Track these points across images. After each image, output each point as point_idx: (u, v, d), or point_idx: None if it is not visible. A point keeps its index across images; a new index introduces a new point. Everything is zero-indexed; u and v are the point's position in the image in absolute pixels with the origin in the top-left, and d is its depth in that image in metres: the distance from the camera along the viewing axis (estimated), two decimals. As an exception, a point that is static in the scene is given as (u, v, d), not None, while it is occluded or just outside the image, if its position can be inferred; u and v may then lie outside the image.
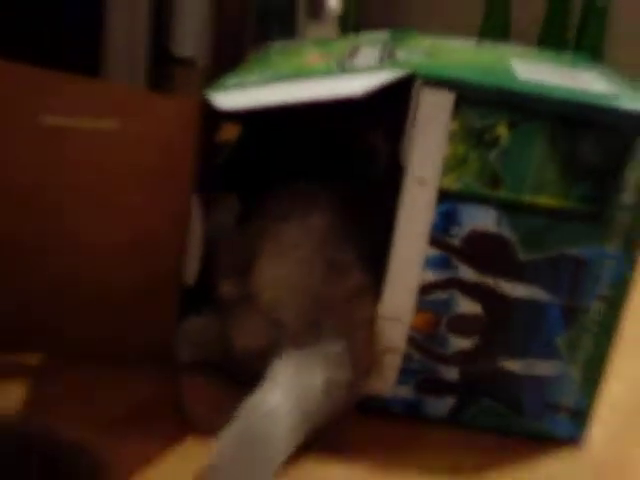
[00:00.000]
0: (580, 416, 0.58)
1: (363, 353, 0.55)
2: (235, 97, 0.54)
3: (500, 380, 0.58)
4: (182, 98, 0.58)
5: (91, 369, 0.59)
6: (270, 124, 0.67)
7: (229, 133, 0.77)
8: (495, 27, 1.12)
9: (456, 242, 0.54)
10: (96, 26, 1.36)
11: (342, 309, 0.56)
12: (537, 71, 0.58)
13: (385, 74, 0.52)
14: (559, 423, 0.59)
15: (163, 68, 1.34)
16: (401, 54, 0.61)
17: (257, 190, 0.66)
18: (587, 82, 0.57)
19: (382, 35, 0.75)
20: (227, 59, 1.25)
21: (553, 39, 1.16)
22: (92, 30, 1.33)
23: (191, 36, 1.30)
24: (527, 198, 0.53)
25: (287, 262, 0.58)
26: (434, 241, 0.54)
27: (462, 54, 0.63)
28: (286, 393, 0.51)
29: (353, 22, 1.37)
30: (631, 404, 0.67)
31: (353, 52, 0.64)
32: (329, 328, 0.54)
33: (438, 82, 0.52)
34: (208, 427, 0.53)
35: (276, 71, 0.61)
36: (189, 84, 1.32)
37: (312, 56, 0.65)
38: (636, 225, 0.54)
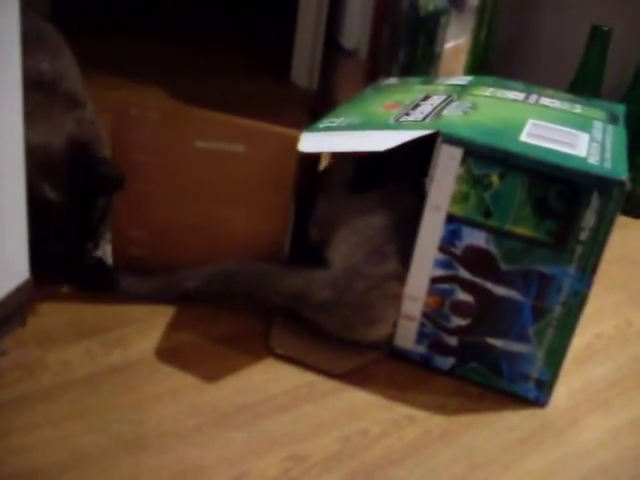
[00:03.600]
0: (544, 385, 0.81)
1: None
2: (314, 142, 0.80)
3: (486, 351, 0.81)
4: (290, 132, 0.84)
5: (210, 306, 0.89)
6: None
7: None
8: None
9: (458, 251, 0.78)
10: (290, 25, 1.66)
11: (375, 284, 0.82)
12: (542, 131, 0.78)
13: (411, 133, 0.75)
14: (528, 388, 0.81)
15: (332, 58, 1.60)
16: (450, 108, 0.83)
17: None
18: (576, 144, 0.77)
19: (460, 81, 0.97)
20: (382, 55, 1.49)
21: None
22: (287, 29, 1.63)
23: (356, 30, 1.54)
24: (509, 227, 0.75)
25: (349, 243, 0.84)
26: (442, 249, 0.78)
27: (497, 110, 0.84)
28: None
29: (489, 14, 1.48)
30: (603, 384, 0.87)
31: (420, 102, 0.87)
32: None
33: (452, 140, 0.75)
34: (285, 352, 0.82)
35: (354, 117, 0.86)
36: (352, 73, 1.57)
37: (387, 103, 0.89)
38: (590, 255, 0.74)
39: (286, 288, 0.85)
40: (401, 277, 0.82)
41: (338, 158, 0.90)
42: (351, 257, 0.83)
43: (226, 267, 0.87)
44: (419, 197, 0.79)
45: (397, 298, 0.82)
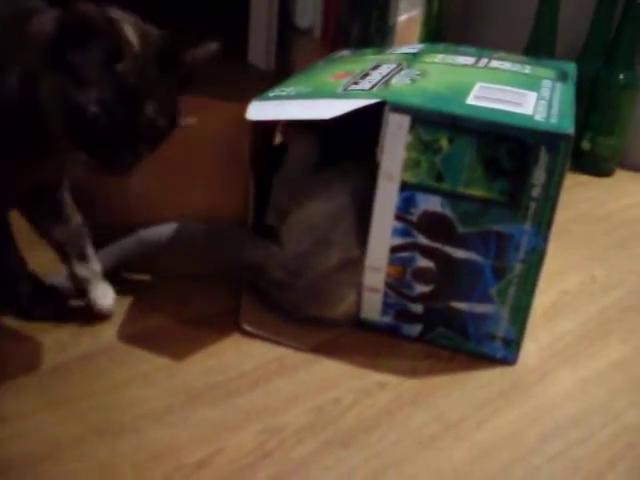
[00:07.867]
0: (511, 343, 0.82)
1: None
2: (261, 110, 0.80)
3: (451, 315, 0.82)
4: (240, 104, 0.83)
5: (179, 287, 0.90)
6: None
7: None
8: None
9: (414, 218, 0.79)
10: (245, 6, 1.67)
11: (323, 273, 0.84)
12: (490, 93, 0.79)
13: (358, 101, 0.76)
14: (496, 348, 0.82)
15: (286, 37, 1.61)
16: (399, 77, 0.84)
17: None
18: (523, 103, 0.78)
19: (412, 50, 0.98)
20: (337, 32, 1.49)
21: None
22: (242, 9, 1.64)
23: (309, 9, 1.55)
24: (462, 189, 0.76)
25: (299, 229, 0.85)
26: (398, 217, 0.79)
27: (445, 76, 0.85)
28: None
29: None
30: (571, 339, 0.89)
31: (369, 71, 0.87)
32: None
33: (399, 108, 0.76)
34: (255, 330, 0.83)
35: (304, 86, 0.86)
36: (308, 51, 1.58)
37: (338, 73, 0.89)
38: (544, 211, 0.75)
39: (246, 259, 0.87)
40: (352, 264, 0.83)
41: (293, 136, 0.91)
42: (300, 244, 0.84)
43: (194, 226, 0.88)
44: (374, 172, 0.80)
45: (349, 285, 0.83)
